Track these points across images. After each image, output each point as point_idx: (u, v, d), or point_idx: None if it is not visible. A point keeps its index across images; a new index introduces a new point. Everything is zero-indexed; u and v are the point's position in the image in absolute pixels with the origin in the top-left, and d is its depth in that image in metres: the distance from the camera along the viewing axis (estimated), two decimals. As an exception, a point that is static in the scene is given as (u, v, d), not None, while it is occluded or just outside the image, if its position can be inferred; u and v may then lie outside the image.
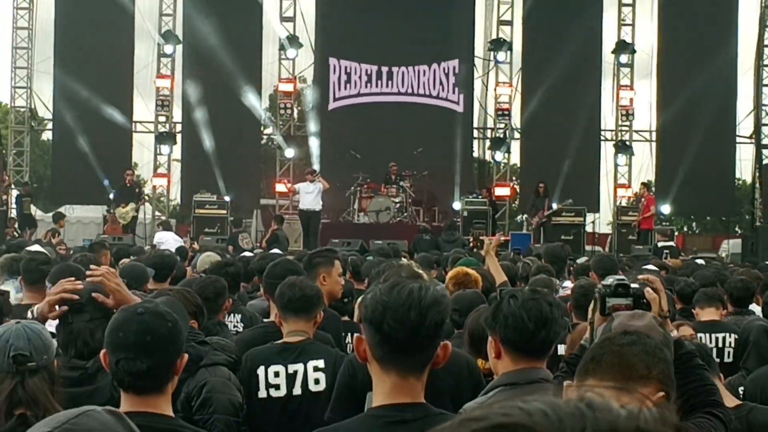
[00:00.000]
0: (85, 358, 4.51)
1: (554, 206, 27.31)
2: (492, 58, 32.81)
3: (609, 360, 3.00)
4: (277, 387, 5.88)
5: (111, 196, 28.42)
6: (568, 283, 10.53)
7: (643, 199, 29.32)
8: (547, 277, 9.20)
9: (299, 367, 5.87)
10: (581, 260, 14.37)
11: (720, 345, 8.51)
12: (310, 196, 25.99)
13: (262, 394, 5.89)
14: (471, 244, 22.96)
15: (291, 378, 5.88)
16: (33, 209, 30.19)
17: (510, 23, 32.87)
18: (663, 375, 3.03)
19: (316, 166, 29.46)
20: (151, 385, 3.68)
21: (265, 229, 27.77)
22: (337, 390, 5.21)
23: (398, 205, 27.22)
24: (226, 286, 7.54)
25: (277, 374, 5.87)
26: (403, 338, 3.15)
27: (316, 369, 5.87)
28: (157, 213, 32.27)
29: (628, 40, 33.23)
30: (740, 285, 9.41)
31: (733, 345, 8.32)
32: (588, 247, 27.38)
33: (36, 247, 11.50)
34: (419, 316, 3.15)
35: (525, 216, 31.17)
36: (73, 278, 4.78)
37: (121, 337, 3.71)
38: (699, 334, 7.93)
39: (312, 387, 5.86)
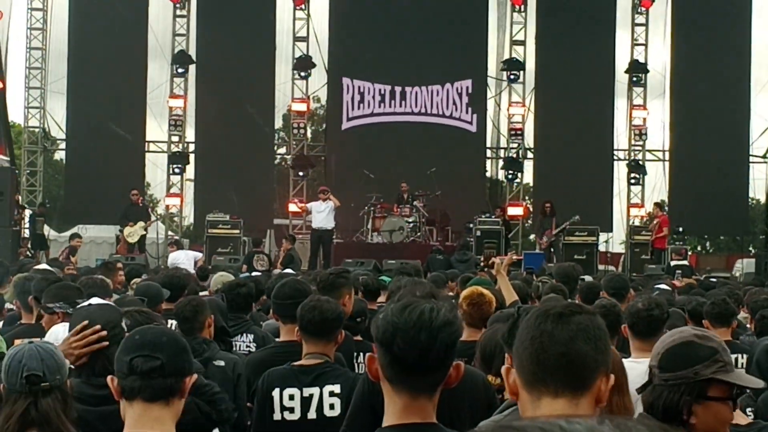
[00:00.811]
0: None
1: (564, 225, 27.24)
2: (505, 77, 32.81)
3: (556, 363, 2.91)
4: (291, 410, 5.79)
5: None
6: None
7: (656, 219, 29.23)
8: (560, 297, 9.19)
9: (315, 390, 5.78)
10: (586, 279, 14.30)
11: (733, 366, 8.42)
12: (321, 215, 26.01)
13: (277, 416, 5.80)
14: (482, 263, 22.91)
15: (306, 401, 5.79)
16: (46, 229, 30.19)
17: (523, 43, 32.91)
18: (606, 355, 2.98)
19: (330, 185, 29.40)
20: (161, 389, 3.62)
21: (278, 249, 27.74)
22: (355, 402, 5.12)
23: (411, 224, 27.10)
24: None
25: (291, 397, 5.79)
26: (413, 359, 3.14)
27: (332, 394, 5.78)
28: (170, 233, 32.24)
29: (641, 59, 33.23)
30: (767, 304, 9.31)
31: (745, 366, 8.25)
32: (601, 266, 27.34)
33: (44, 266, 11.51)
34: (430, 338, 3.14)
35: (534, 236, 31.12)
36: (96, 326, 4.78)
37: (137, 339, 3.72)
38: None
39: (327, 412, 5.77)
